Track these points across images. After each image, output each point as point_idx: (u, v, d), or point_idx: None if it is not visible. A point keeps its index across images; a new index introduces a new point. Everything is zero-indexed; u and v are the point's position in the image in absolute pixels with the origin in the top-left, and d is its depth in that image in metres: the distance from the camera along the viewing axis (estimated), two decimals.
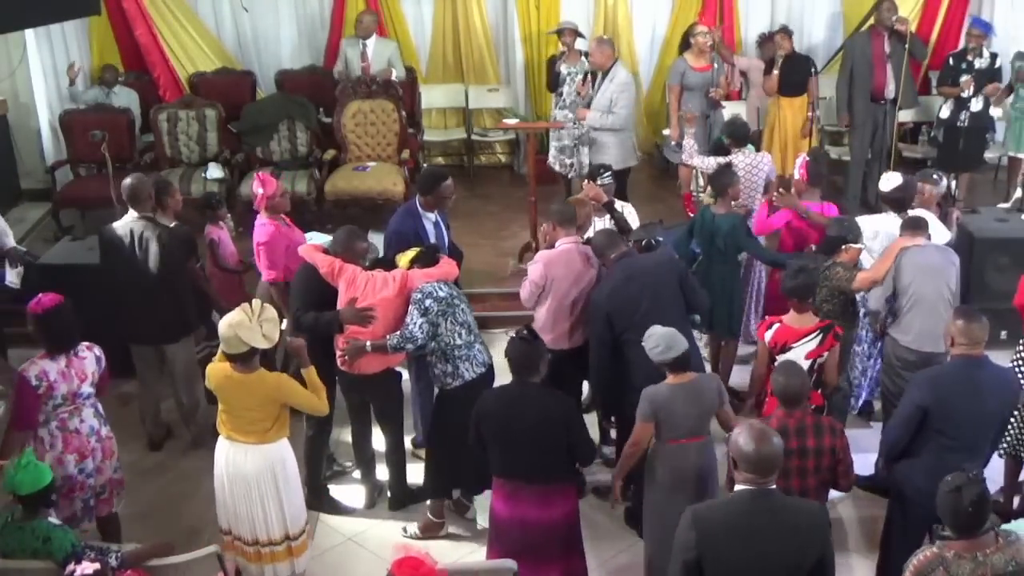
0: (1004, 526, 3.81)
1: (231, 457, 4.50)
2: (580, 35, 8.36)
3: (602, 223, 5.91)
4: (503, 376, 5.20)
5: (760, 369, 4.98)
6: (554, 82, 8.16)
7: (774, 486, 3.32)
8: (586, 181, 6.10)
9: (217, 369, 4.50)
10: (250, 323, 4.32)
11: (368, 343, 4.93)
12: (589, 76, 7.74)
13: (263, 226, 5.93)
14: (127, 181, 5.77)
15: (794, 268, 4.99)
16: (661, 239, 5.79)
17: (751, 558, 3.25)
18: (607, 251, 5.15)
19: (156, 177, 6.64)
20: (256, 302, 4.43)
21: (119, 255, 5.72)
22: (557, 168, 8.21)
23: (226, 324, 4.36)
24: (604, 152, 7.70)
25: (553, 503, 4.32)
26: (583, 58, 8.18)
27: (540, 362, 4.29)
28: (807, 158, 6.37)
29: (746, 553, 3.24)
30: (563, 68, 8.05)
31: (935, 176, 6.14)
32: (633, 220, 5.99)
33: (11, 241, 6.39)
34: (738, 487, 3.33)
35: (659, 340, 4.38)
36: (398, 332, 4.90)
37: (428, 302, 4.86)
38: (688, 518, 3.33)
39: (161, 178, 6.50)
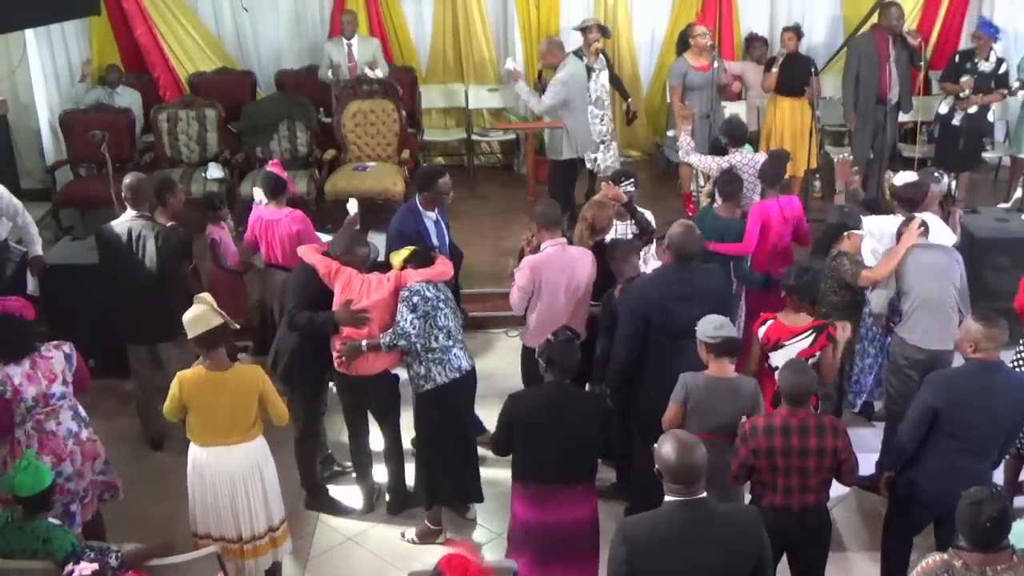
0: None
1: (211, 459, 4.50)
2: (605, 33, 8.38)
3: (624, 226, 5.91)
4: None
5: (753, 366, 4.97)
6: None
7: (703, 494, 3.28)
8: (604, 183, 6.07)
9: (190, 375, 4.48)
10: (212, 306, 4.43)
11: (364, 343, 4.95)
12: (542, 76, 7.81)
13: (291, 215, 6.03)
14: (127, 180, 5.77)
15: (799, 267, 5.00)
16: None
17: (684, 569, 3.22)
18: (625, 270, 5.21)
19: (162, 175, 6.63)
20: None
21: (116, 254, 5.73)
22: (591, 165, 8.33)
23: (190, 313, 4.46)
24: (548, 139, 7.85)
25: (586, 502, 4.39)
26: (602, 56, 8.27)
27: (578, 362, 4.38)
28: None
29: (680, 565, 3.21)
30: (585, 61, 8.11)
31: (936, 175, 6.13)
32: (651, 222, 5.99)
33: (38, 249, 6.42)
34: (666, 498, 3.29)
35: (715, 321, 4.41)
36: (390, 330, 4.92)
37: (415, 299, 4.90)
38: (619, 533, 3.29)
39: (167, 176, 6.49)
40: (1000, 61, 8.36)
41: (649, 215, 6.06)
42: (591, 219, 5.52)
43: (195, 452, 4.57)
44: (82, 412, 4.77)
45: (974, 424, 4.17)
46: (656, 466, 3.31)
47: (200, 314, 4.41)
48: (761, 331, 4.91)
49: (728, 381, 4.42)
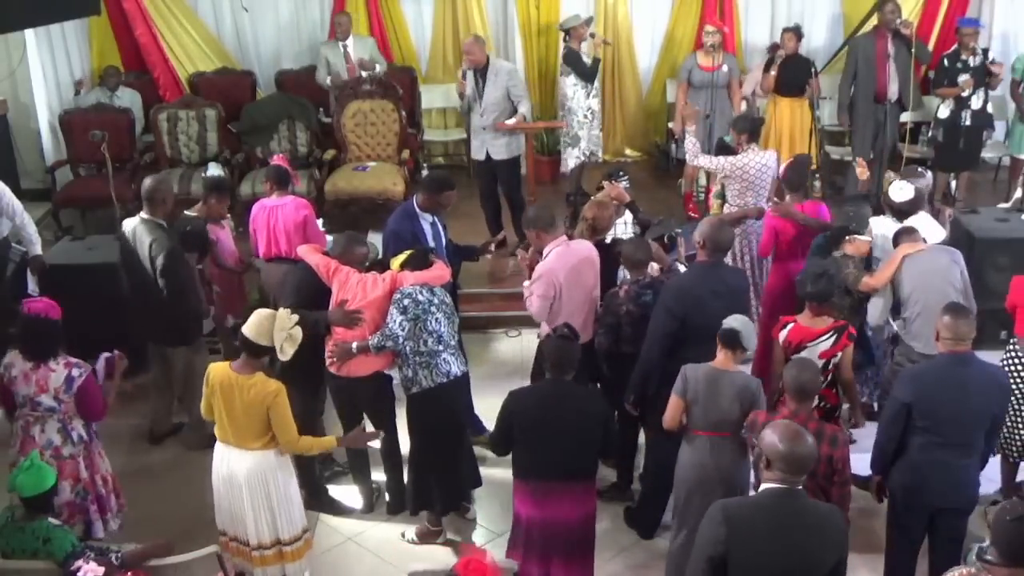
0: None
1: (227, 459, 4.50)
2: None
3: (622, 224, 5.90)
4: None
5: (777, 369, 4.96)
6: (593, 71, 8.22)
7: (801, 487, 3.31)
8: (606, 182, 6.07)
9: (218, 368, 4.48)
10: (283, 325, 4.36)
11: (354, 344, 4.94)
12: (468, 74, 7.65)
13: (293, 202, 6.09)
14: (147, 182, 5.80)
15: (815, 272, 4.94)
16: (680, 231, 5.77)
17: (777, 557, 3.24)
18: (637, 268, 5.17)
19: (217, 179, 6.72)
20: (294, 316, 4.44)
21: (124, 254, 5.81)
22: (586, 159, 8.38)
23: (264, 314, 4.38)
24: (505, 142, 7.76)
25: (584, 500, 4.37)
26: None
27: (576, 360, 4.33)
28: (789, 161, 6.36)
29: (773, 551, 3.24)
30: (586, 58, 8.19)
31: (919, 170, 6.09)
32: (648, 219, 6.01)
33: (38, 249, 6.43)
34: (766, 485, 3.31)
35: (740, 318, 4.39)
36: (379, 331, 4.92)
37: (406, 302, 4.88)
38: (718, 514, 3.30)
39: (221, 180, 6.60)
40: (986, 52, 8.39)
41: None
42: (592, 219, 5.50)
43: (217, 448, 4.57)
44: (75, 432, 4.67)
45: (948, 417, 4.16)
46: (762, 453, 3.32)
47: (264, 325, 4.34)
48: (782, 335, 4.90)
49: (729, 375, 4.39)
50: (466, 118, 8.18)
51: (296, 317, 4.44)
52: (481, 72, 7.56)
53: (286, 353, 4.39)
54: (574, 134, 8.29)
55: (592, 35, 8.37)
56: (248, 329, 4.37)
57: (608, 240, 5.60)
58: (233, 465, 4.47)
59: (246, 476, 4.43)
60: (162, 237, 5.65)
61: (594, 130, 8.38)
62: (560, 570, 4.36)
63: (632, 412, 5.12)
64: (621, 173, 6.07)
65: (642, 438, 5.41)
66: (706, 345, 4.57)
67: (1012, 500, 3.28)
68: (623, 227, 5.93)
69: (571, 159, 8.34)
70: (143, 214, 5.73)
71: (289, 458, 4.60)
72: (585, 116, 8.28)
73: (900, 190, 5.81)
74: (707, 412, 4.37)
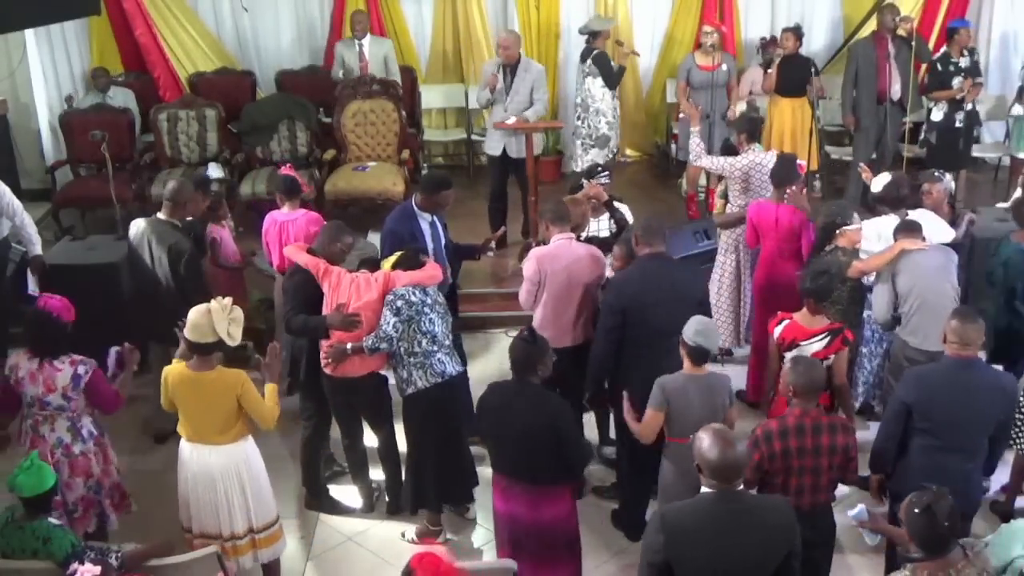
0: (1005, 525, 3.81)
1: (195, 455, 4.51)
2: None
3: (596, 223, 5.92)
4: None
5: (773, 365, 4.96)
6: (618, 78, 8.27)
7: (741, 487, 3.33)
8: (585, 180, 6.10)
9: (174, 371, 4.48)
10: (222, 315, 4.36)
11: (349, 345, 4.95)
12: (500, 70, 7.71)
13: (307, 215, 6.12)
14: (171, 184, 5.91)
15: (817, 270, 4.96)
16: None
17: (720, 559, 3.24)
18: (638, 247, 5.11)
19: (200, 176, 6.78)
20: (227, 300, 4.44)
21: (131, 254, 5.89)
22: (612, 156, 8.44)
23: (199, 311, 4.37)
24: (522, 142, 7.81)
25: (542, 505, 4.26)
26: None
27: (539, 363, 4.21)
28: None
29: (715, 554, 3.24)
30: (614, 64, 8.22)
31: (937, 174, 6.11)
32: (628, 218, 6.00)
33: (38, 249, 6.44)
34: (704, 489, 3.33)
35: (699, 324, 4.37)
36: (373, 333, 4.91)
37: (399, 303, 4.88)
38: (656, 521, 3.32)
39: (205, 177, 6.69)
40: (972, 51, 8.41)
41: (625, 208, 6.08)
42: None
43: (182, 447, 4.59)
44: (85, 428, 4.69)
45: (950, 421, 4.16)
46: (695, 460, 3.34)
47: (201, 324, 4.34)
48: (777, 331, 4.91)
49: (703, 377, 4.42)
50: (469, 114, 8.15)
51: (229, 300, 4.44)
52: (512, 68, 7.60)
53: (235, 338, 4.39)
54: (602, 134, 8.27)
55: (619, 43, 8.39)
56: (191, 333, 4.37)
57: (581, 238, 5.62)
58: (204, 461, 4.48)
59: (220, 471, 4.46)
60: (182, 240, 5.71)
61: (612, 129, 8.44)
62: (529, 570, 4.27)
63: (587, 406, 5.21)
64: (600, 170, 6.10)
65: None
66: (656, 343, 4.59)
67: (918, 492, 3.26)
68: (596, 224, 5.96)
69: (599, 158, 8.33)
70: (160, 215, 5.78)
71: (257, 447, 4.61)
72: (613, 116, 8.32)
73: (878, 181, 5.86)
74: (689, 419, 4.32)
